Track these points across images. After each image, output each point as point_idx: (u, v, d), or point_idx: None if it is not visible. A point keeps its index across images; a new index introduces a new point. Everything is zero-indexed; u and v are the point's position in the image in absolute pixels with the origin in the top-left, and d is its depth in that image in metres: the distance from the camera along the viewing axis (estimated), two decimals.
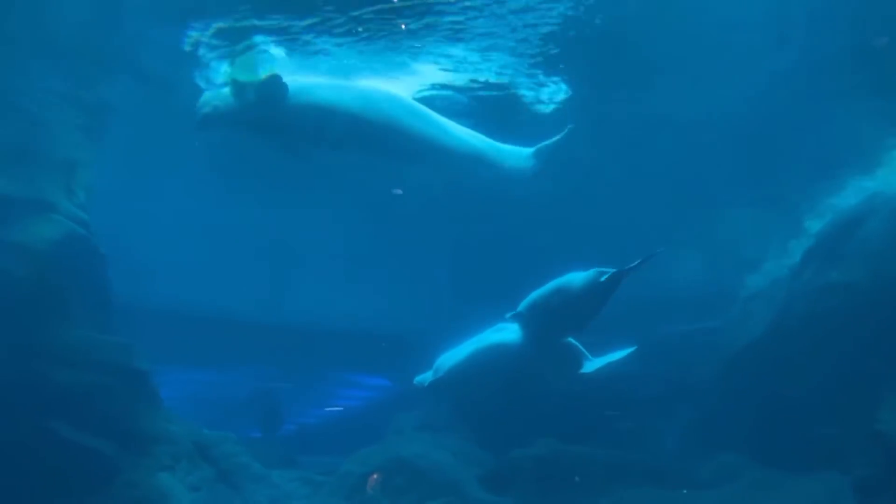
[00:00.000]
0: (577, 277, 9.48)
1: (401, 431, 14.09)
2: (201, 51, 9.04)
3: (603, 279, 9.25)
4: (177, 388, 19.51)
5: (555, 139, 9.59)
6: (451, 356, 10.66)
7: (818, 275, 11.91)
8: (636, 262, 8.95)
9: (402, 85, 9.65)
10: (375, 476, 11.70)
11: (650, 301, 14.83)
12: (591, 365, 10.16)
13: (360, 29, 8.64)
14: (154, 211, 13.65)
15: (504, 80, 9.93)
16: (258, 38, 8.80)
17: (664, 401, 14.38)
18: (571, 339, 10.28)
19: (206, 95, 8.65)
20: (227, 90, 8.53)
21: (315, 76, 9.20)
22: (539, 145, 9.73)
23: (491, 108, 10.44)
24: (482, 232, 15.04)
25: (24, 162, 9.70)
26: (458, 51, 9.21)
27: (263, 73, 8.57)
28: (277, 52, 8.95)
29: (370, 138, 8.94)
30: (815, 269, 12.06)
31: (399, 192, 12.25)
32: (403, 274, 17.19)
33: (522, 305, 9.78)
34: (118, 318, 11.33)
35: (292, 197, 13.74)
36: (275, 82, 8.31)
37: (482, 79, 9.88)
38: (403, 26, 8.64)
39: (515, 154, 9.67)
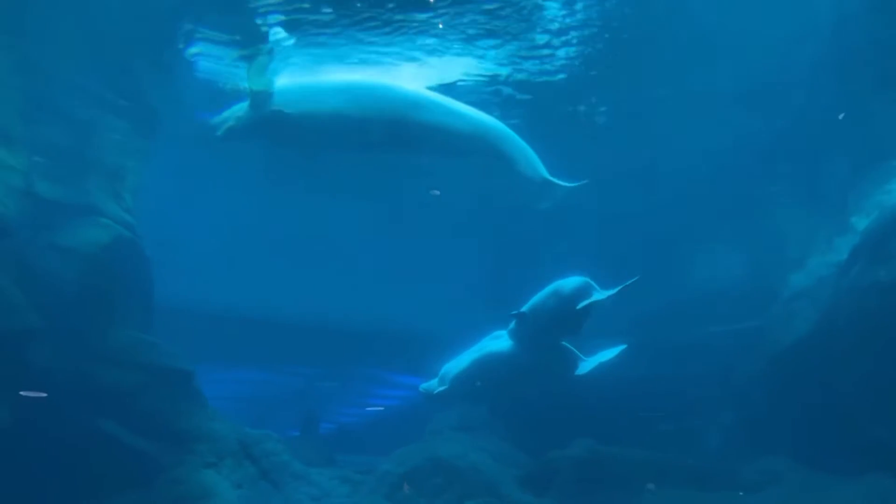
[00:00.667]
0: (569, 282, 10.03)
1: (438, 432, 14.10)
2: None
3: (582, 304, 9.90)
4: (220, 387, 19.88)
5: (567, 184, 9.70)
6: (455, 365, 11.10)
7: (866, 273, 11.61)
8: (618, 288, 9.62)
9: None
10: (407, 486, 11.77)
11: (691, 300, 14.67)
12: (586, 366, 10.49)
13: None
14: (196, 212, 13.90)
15: None
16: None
17: (706, 402, 14.17)
18: (566, 343, 10.64)
19: (223, 114, 8.87)
20: (240, 106, 8.75)
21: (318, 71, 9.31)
22: (552, 176, 9.72)
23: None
24: (516, 235, 15.02)
25: (74, 167, 9.94)
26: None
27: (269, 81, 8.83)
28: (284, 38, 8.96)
29: (376, 134, 9.04)
30: (863, 267, 11.76)
31: (437, 192, 12.24)
32: (442, 274, 17.23)
33: (526, 307, 10.17)
34: (164, 319, 11.54)
35: (332, 197, 13.88)
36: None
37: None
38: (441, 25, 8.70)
39: (531, 157, 9.63)
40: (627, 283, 9.58)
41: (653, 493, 11.67)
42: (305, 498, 11.16)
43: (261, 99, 8.65)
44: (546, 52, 9.47)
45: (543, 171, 9.62)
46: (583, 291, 10.00)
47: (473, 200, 13.26)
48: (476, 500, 11.06)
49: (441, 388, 11.12)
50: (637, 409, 13.50)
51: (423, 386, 11.49)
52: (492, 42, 9.25)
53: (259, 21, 8.68)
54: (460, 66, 9.80)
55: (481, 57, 9.60)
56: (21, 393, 8.25)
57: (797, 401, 12.39)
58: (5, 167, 8.55)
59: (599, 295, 10.04)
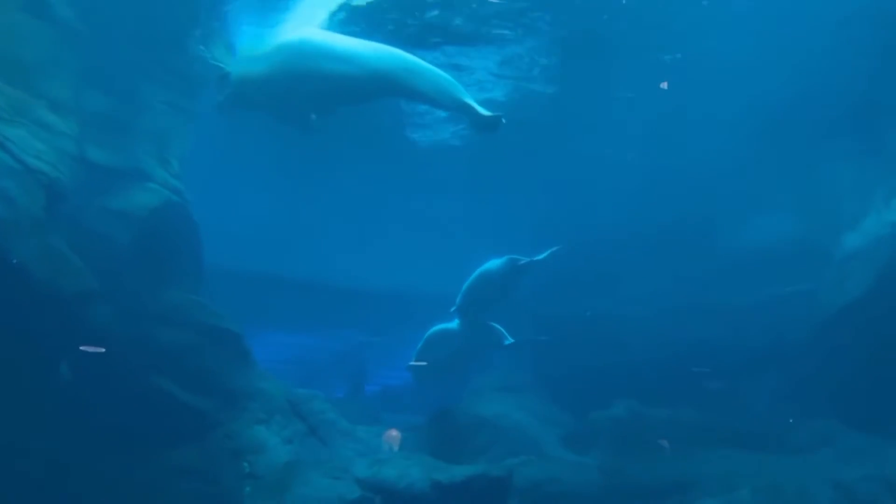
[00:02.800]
0: (494, 263, 13.59)
1: (480, 392, 14.24)
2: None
3: (514, 265, 13.33)
4: (270, 349, 20.36)
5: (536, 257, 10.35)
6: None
7: None
8: (543, 255, 12.23)
9: None
10: (395, 433, 12.08)
11: (740, 262, 14.37)
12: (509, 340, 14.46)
13: None
14: (246, 179, 14.11)
15: None
16: None
17: (755, 364, 13.98)
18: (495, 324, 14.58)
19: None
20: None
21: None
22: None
23: None
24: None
25: (123, 134, 10.11)
26: None
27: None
28: None
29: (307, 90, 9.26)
30: None
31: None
32: (490, 238, 17.22)
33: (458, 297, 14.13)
34: (216, 282, 11.80)
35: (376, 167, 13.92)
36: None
37: None
38: None
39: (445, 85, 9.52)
40: (553, 250, 12.41)
41: (666, 449, 11.69)
42: (351, 453, 11.44)
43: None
44: None
45: (463, 96, 9.44)
46: (507, 268, 13.47)
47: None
48: (518, 458, 11.18)
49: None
50: (684, 370, 13.38)
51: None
52: None
53: None
54: None
55: None
56: (81, 348, 8.53)
57: (848, 363, 12.11)
58: (58, 133, 8.73)
59: (525, 263, 13.20)
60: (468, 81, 11.59)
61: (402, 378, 25.46)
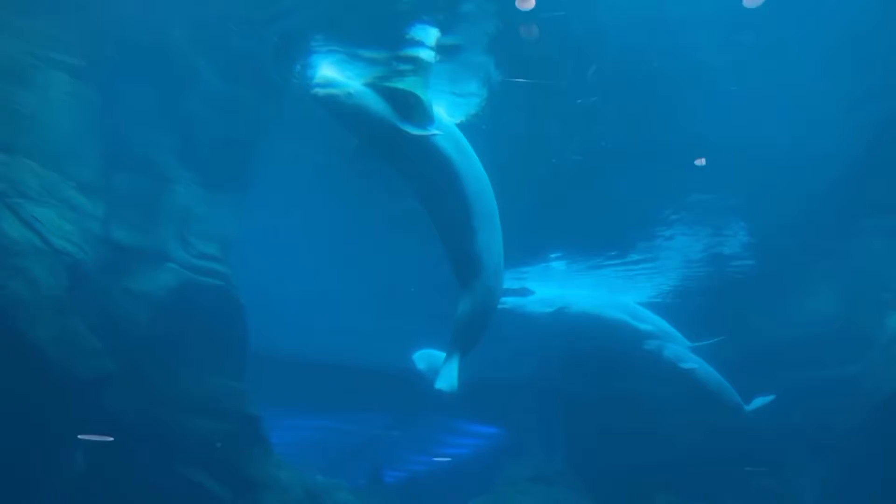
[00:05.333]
0: None
1: (513, 482, 13.66)
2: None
3: None
4: (291, 433, 19.91)
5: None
6: None
7: None
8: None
9: None
10: None
11: (781, 343, 13.89)
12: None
13: None
14: (266, 259, 14.04)
15: None
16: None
17: (802, 452, 13.30)
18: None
19: (335, 78, 7.92)
20: (368, 89, 7.85)
21: None
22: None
23: None
24: None
25: (148, 214, 10.09)
26: None
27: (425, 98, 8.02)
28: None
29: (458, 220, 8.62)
30: None
31: None
32: None
33: None
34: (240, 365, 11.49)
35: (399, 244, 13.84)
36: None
37: None
38: None
39: None
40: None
41: None
42: None
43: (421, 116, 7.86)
44: None
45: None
46: None
47: None
48: None
49: None
50: (727, 461, 12.72)
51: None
52: None
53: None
54: None
55: None
56: (82, 436, 8.30)
57: None
58: (85, 214, 8.77)
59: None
60: None
61: (430, 464, 24.80)
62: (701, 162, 10.42)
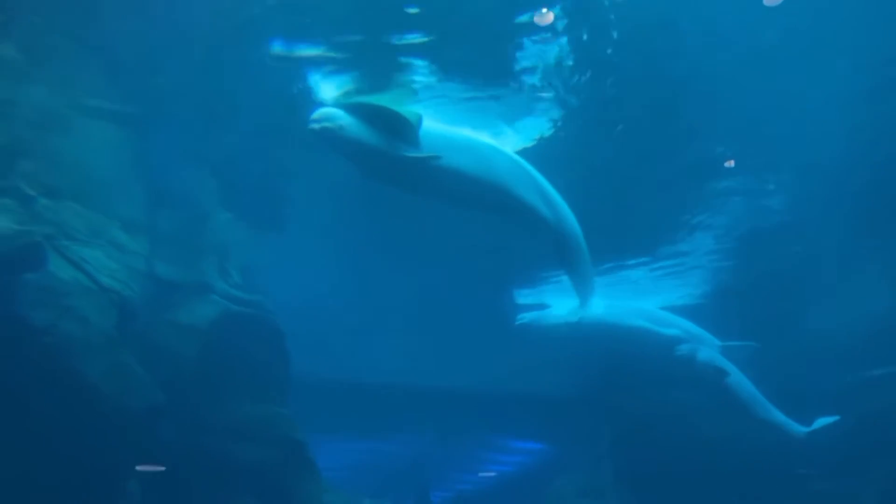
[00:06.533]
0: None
1: (562, 497, 13.50)
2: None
3: None
4: (337, 457, 19.97)
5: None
6: None
7: None
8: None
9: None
10: None
11: (834, 342, 13.53)
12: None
13: None
14: (305, 285, 14.21)
15: None
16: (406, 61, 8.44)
17: (859, 457, 12.89)
18: None
19: (330, 111, 8.17)
20: (351, 115, 8.13)
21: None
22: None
23: None
24: None
25: (188, 248, 10.31)
26: None
27: (408, 111, 8.25)
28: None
29: (491, 201, 9.07)
30: None
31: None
32: None
33: None
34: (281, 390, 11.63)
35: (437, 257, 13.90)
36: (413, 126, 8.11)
37: None
38: None
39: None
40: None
41: None
42: None
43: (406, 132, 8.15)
44: None
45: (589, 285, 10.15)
46: None
47: None
48: None
49: None
50: (781, 467, 12.40)
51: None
52: None
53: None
54: None
55: None
56: (139, 467, 8.44)
57: None
58: (129, 252, 9.00)
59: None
60: None
61: (473, 482, 24.62)
62: (730, 164, 10.36)
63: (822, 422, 12.97)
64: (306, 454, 10.95)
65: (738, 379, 13.31)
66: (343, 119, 8.03)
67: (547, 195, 9.42)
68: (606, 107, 9.33)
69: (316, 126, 7.96)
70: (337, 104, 8.39)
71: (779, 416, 13.09)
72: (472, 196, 9.02)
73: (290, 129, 9.26)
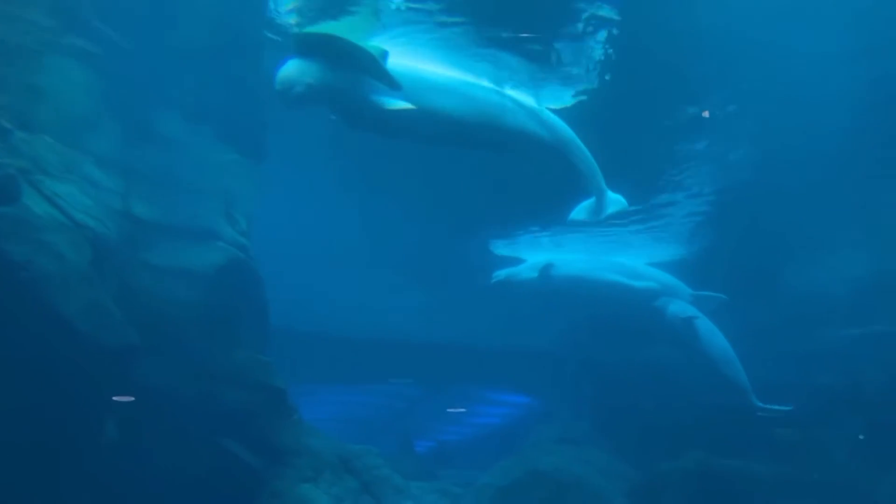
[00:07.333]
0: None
1: (539, 444, 13.75)
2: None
3: None
4: (323, 408, 20.19)
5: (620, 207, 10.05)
6: None
7: None
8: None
9: None
10: None
11: (811, 303, 13.69)
12: None
13: None
14: (294, 229, 14.14)
15: None
16: None
17: (833, 411, 13.16)
18: None
19: (292, 70, 7.75)
20: (315, 64, 7.71)
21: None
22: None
23: None
24: None
25: (191, 194, 10.16)
26: None
27: (371, 45, 7.81)
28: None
29: (472, 137, 8.88)
30: None
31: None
32: None
33: None
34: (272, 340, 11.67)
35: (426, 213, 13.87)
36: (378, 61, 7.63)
37: None
38: None
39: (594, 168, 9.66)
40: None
41: None
42: None
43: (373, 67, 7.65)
44: None
45: (602, 184, 9.66)
46: None
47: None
48: None
49: None
50: (755, 418, 12.65)
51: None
52: None
53: None
54: None
55: None
56: (115, 398, 8.55)
57: None
58: (104, 189, 8.88)
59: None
60: None
61: (456, 433, 25.02)
62: (706, 114, 10.31)
63: (774, 406, 13.07)
64: (287, 400, 11.01)
65: (710, 334, 13.39)
66: (309, 74, 7.66)
67: (536, 115, 9.22)
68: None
69: (285, 91, 7.66)
70: (297, 44, 7.96)
71: (744, 379, 13.18)
72: (468, 137, 8.84)
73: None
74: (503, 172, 11.20)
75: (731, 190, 12.23)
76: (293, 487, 10.22)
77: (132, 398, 8.99)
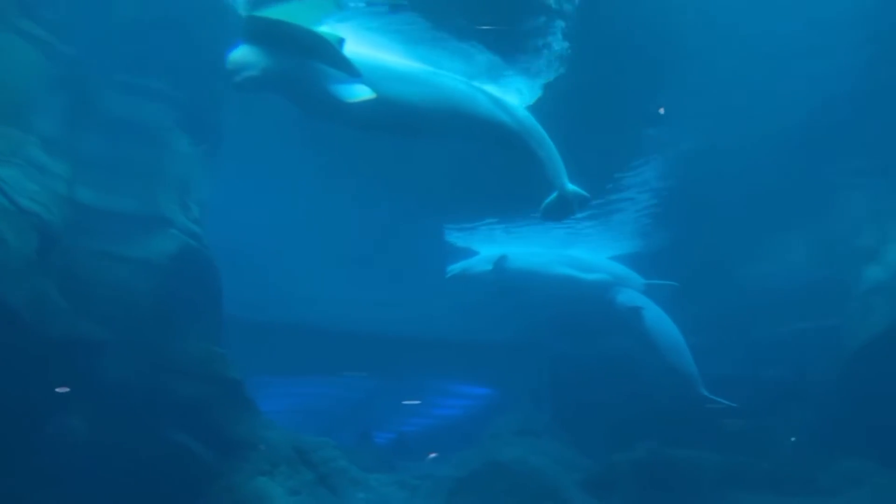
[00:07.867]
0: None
1: (498, 436, 13.85)
2: None
3: None
4: (281, 401, 20.02)
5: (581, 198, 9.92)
6: None
7: None
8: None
9: None
10: None
11: (757, 297, 14.01)
12: None
13: None
14: (251, 220, 13.96)
15: None
16: None
17: (781, 402, 13.52)
18: None
19: (243, 54, 7.48)
20: (267, 49, 7.50)
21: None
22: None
23: None
24: None
25: (144, 180, 9.90)
26: None
27: (326, 32, 7.63)
28: None
29: (434, 126, 8.83)
30: None
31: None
32: None
33: None
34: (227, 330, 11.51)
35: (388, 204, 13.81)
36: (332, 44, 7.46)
37: None
38: None
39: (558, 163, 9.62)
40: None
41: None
42: (363, 503, 11.03)
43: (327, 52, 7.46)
44: None
45: (565, 180, 9.62)
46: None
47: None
48: None
49: None
50: (705, 410, 12.93)
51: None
52: None
53: None
54: None
55: None
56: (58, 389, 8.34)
57: (876, 401, 11.63)
58: (50, 174, 8.62)
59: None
60: None
61: (417, 424, 25.08)
62: (661, 111, 10.45)
63: (721, 400, 13.26)
64: (243, 392, 10.89)
65: (658, 323, 13.57)
66: (261, 59, 7.42)
67: (498, 102, 9.19)
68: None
69: (236, 78, 7.40)
70: (247, 28, 7.65)
71: (692, 370, 13.32)
72: (430, 126, 8.76)
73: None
74: (462, 160, 11.18)
75: (685, 184, 12.41)
76: (248, 481, 10.12)
77: (82, 391, 8.80)
